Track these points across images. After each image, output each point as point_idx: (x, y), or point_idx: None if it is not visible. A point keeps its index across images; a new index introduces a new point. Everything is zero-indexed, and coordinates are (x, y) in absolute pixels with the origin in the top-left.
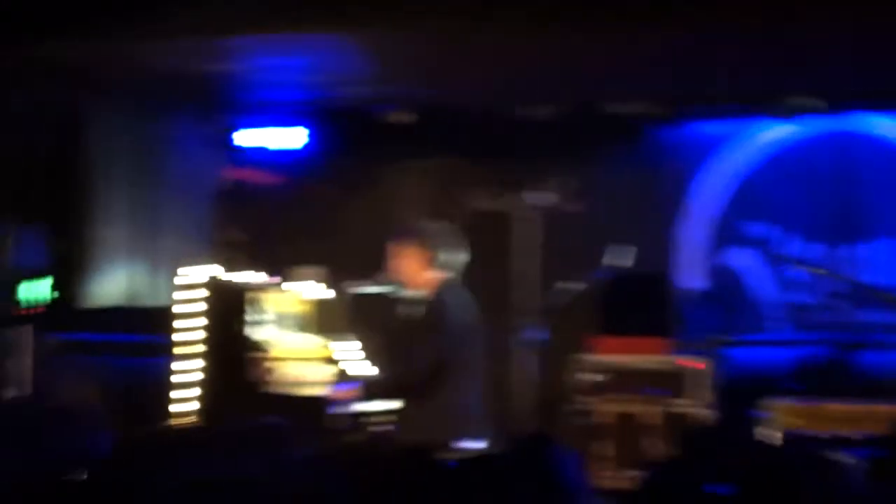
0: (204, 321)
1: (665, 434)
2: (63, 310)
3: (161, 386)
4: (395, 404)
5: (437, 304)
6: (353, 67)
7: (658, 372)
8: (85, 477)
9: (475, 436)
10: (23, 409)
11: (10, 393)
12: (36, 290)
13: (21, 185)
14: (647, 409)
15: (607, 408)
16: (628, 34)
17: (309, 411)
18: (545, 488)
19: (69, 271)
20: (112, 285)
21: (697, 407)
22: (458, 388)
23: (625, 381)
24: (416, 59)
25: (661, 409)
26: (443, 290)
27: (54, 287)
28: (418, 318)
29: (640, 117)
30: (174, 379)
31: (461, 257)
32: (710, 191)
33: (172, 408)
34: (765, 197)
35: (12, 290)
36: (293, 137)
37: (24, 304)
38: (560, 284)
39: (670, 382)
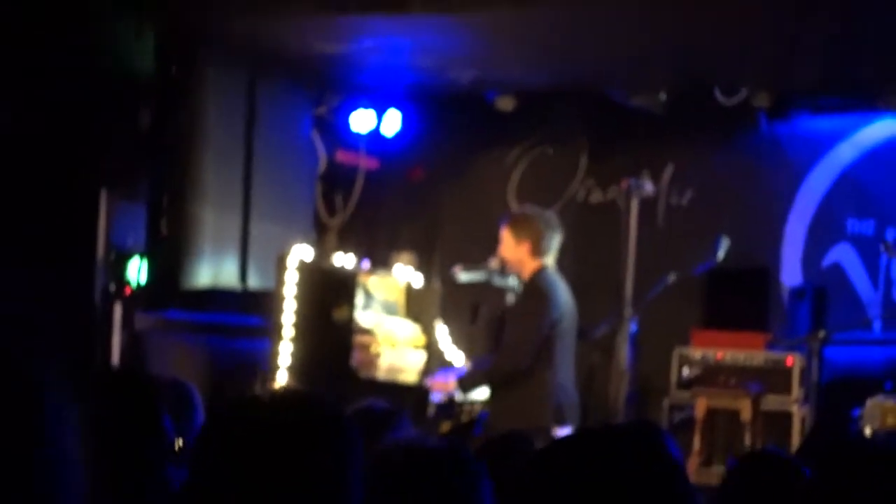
0: (305, 304)
1: (756, 430)
2: (161, 289)
3: (261, 368)
4: (490, 391)
5: (536, 290)
6: (460, 49)
7: (754, 367)
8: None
9: (569, 422)
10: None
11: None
12: (134, 269)
13: (122, 162)
14: (739, 404)
15: (700, 401)
16: (741, 19)
17: (409, 398)
18: (656, 475)
19: (168, 251)
20: (212, 266)
21: (791, 403)
22: (555, 375)
23: (720, 375)
24: (525, 42)
25: (752, 405)
26: (542, 276)
27: (153, 266)
28: (517, 303)
29: (751, 109)
30: (274, 362)
31: (559, 244)
32: (815, 185)
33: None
34: (868, 193)
35: (112, 268)
36: (395, 121)
37: (121, 283)
38: (660, 275)
39: (766, 378)
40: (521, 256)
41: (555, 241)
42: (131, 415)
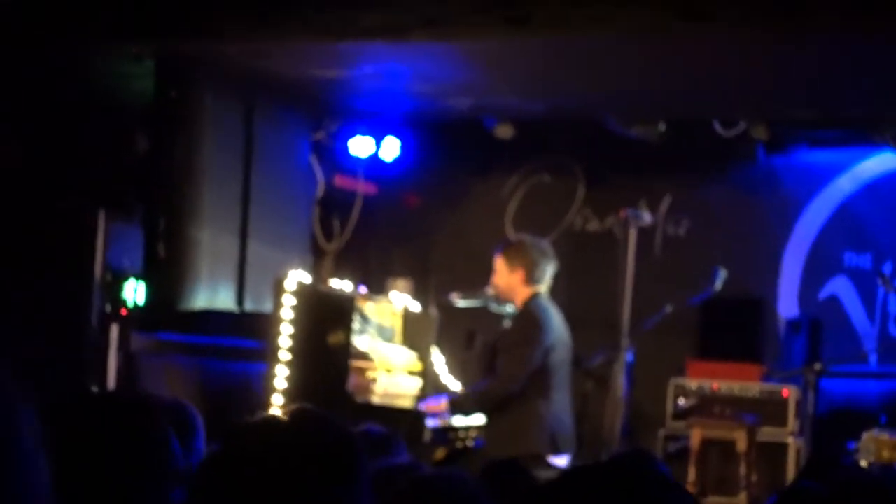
0: (302, 328)
1: (751, 461)
2: (158, 311)
3: (256, 391)
4: (484, 418)
5: (529, 317)
6: (459, 77)
7: (750, 398)
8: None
9: (564, 450)
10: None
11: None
12: (131, 290)
13: (120, 183)
14: (734, 435)
15: (695, 432)
16: (740, 53)
17: (403, 423)
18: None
19: (165, 273)
20: (208, 289)
21: (787, 435)
22: (550, 403)
23: (715, 405)
24: (523, 71)
25: (747, 436)
26: (536, 304)
27: (150, 288)
28: (510, 330)
29: (749, 141)
30: (270, 385)
31: (553, 273)
32: (812, 218)
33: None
34: (865, 226)
35: (107, 289)
36: (392, 147)
37: (118, 304)
38: (657, 305)
39: (762, 409)
40: (515, 285)
41: (549, 270)
42: (141, 439)
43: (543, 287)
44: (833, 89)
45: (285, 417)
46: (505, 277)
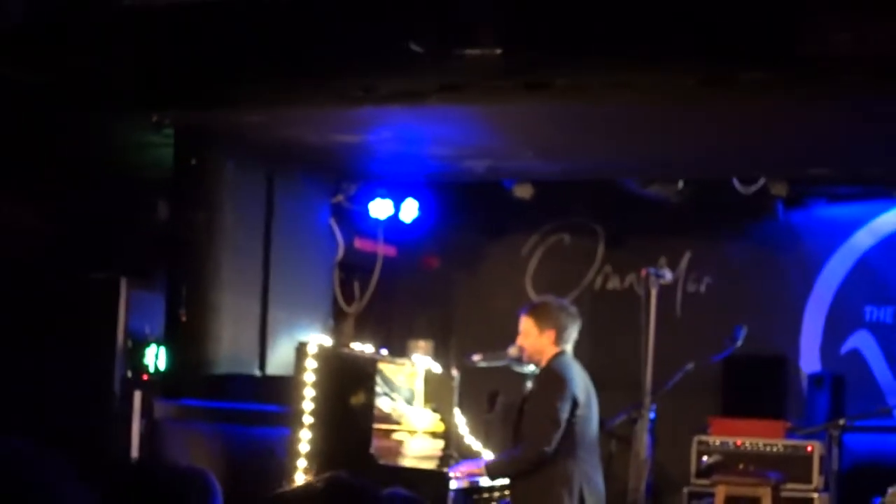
0: (324, 392)
1: None
2: (180, 376)
3: (280, 456)
4: (509, 479)
5: (554, 375)
6: (476, 140)
7: (774, 455)
8: None
9: None
10: (131, 470)
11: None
12: (152, 356)
13: (139, 248)
14: (759, 492)
15: (720, 489)
16: (741, 113)
17: (428, 485)
18: None
19: (187, 339)
20: (231, 353)
21: (811, 491)
22: (577, 461)
23: (739, 462)
24: (540, 134)
25: (772, 492)
26: (559, 361)
27: (171, 354)
28: (536, 389)
29: (769, 198)
30: (294, 449)
31: (577, 332)
32: (833, 273)
33: (291, 478)
34: (885, 280)
35: (130, 356)
36: (411, 209)
37: (139, 370)
38: (678, 363)
39: (786, 465)
40: (543, 346)
41: (575, 331)
42: None
43: (569, 346)
44: (852, 149)
45: (320, 485)
46: (533, 338)
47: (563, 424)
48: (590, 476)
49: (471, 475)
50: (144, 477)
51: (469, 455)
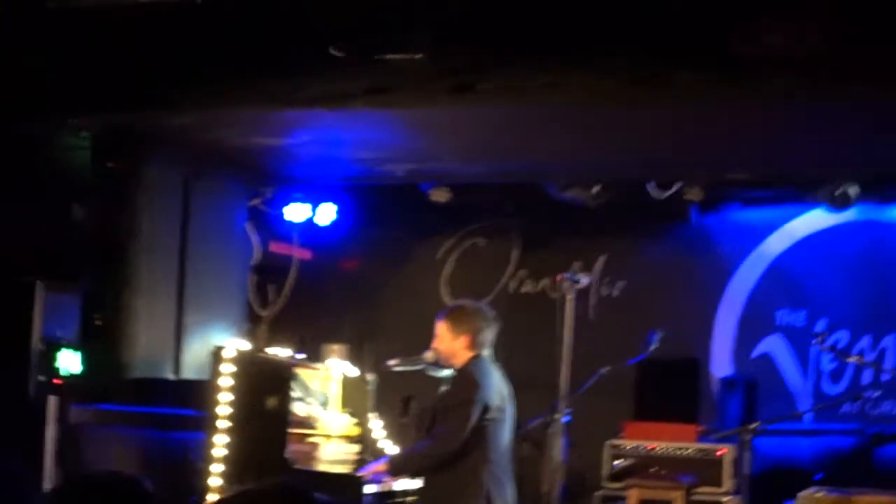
0: (240, 396)
1: None
2: (95, 381)
3: (196, 460)
4: (422, 481)
5: (468, 377)
6: (399, 143)
7: (686, 458)
8: None
9: None
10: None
11: (35, 463)
12: (67, 360)
13: (55, 251)
14: (671, 496)
15: (633, 493)
16: (673, 114)
17: (343, 489)
18: None
19: (103, 342)
20: (145, 356)
21: (723, 495)
22: (487, 463)
23: (652, 466)
24: (464, 137)
25: (684, 496)
26: (474, 364)
27: (86, 357)
28: (449, 392)
29: (683, 202)
30: (209, 453)
31: (494, 336)
32: (745, 277)
33: (206, 482)
34: (797, 284)
35: (44, 360)
36: (328, 212)
37: (54, 374)
38: (593, 367)
39: (698, 469)
40: (457, 350)
41: (491, 336)
42: None
43: (486, 351)
44: (772, 153)
45: (270, 490)
46: (448, 342)
47: (472, 425)
48: (500, 480)
49: (376, 474)
50: (80, 486)
51: (385, 456)
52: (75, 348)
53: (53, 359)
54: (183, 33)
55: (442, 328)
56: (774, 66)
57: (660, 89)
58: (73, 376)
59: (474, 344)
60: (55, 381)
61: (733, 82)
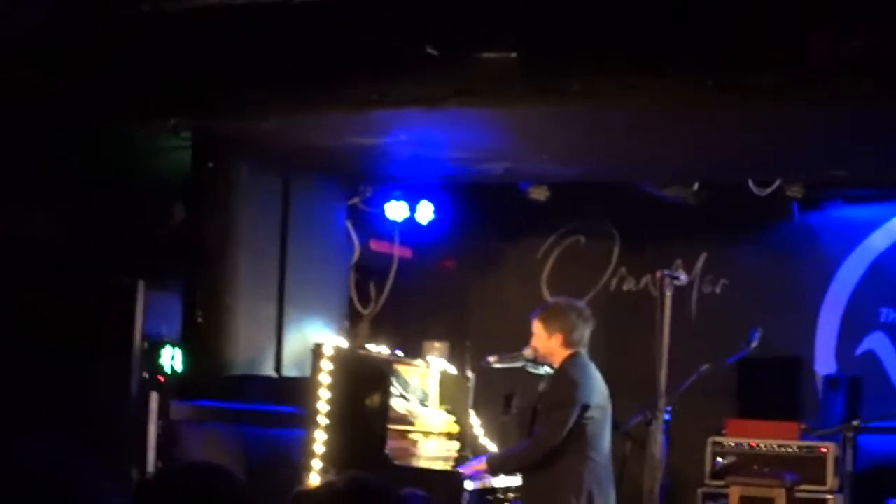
0: (340, 393)
1: None
2: (196, 378)
3: (295, 457)
4: (522, 479)
5: (566, 377)
6: (493, 143)
7: (788, 456)
8: None
9: None
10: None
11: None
12: (168, 358)
13: (156, 251)
14: (773, 493)
15: (734, 490)
16: (775, 118)
17: (442, 486)
18: None
19: (204, 340)
20: (246, 354)
21: (826, 493)
22: (587, 462)
23: (754, 464)
24: (557, 138)
25: (786, 494)
26: (573, 362)
27: (188, 355)
28: (548, 390)
29: (784, 199)
30: (309, 450)
31: (589, 334)
32: (848, 274)
33: (308, 479)
34: None
35: (147, 358)
36: (427, 211)
37: (158, 371)
38: (694, 365)
39: (800, 467)
40: (554, 348)
41: (587, 333)
42: None
43: (583, 348)
44: (867, 152)
45: (340, 485)
46: (543, 341)
47: (569, 426)
48: (601, 480)
49: (475, 472)
50: (171, 478)
51: (484, 454)
52: (177, 346)
53: (157, 356)
54: (275, 35)
55: (537, 326)
56: (853, 71)
57: (741, 93)
58: (175, 374)
59: (569, 341)
60: (159, 378)
61: (812, 87)
